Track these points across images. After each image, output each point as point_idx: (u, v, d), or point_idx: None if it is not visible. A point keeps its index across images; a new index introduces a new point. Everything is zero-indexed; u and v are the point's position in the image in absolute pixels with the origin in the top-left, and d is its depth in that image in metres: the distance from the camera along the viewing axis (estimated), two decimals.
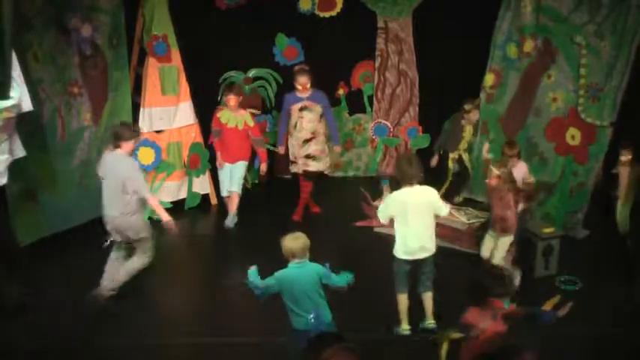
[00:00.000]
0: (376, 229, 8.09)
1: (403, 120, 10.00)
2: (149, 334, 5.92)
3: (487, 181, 6.68)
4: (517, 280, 6.53)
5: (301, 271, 4.81)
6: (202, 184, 8.81)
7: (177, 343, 5.83)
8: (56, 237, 7.41)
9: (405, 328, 5.87)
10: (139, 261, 6.35)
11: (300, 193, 8.33)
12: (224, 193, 8.23)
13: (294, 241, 4.82)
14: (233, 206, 8.19)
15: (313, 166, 8.16)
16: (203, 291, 6.98)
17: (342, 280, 4.88)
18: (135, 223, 6.20)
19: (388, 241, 7.66)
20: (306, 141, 8.09)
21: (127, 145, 6.17)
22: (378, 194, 8.35)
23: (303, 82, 7.98)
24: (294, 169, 8.31)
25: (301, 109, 8.03)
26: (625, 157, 7.01)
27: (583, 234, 7.86)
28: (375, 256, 6.85)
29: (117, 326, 5.99)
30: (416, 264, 5.78)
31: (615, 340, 5.80)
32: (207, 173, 8.79)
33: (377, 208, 7.98)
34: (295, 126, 8.09)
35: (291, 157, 8.26)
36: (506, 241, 6.50)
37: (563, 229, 7.58)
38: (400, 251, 5.75)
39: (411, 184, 5.62)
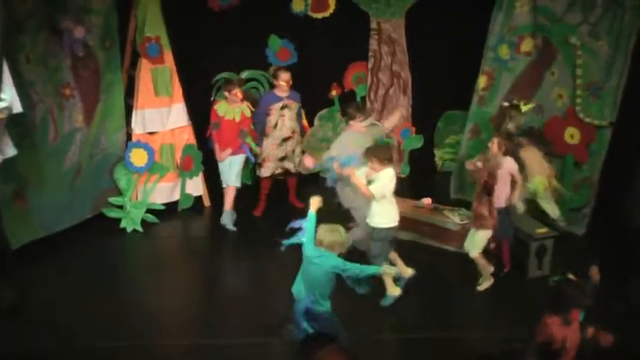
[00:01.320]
0: None
1: None
2: (146, 334, 5.91)
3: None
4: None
5: (318, 259, 4.92)
6: (196, 186, 8.77)
7: (174, 344, 5.82)
8: (48, 238, 7.36)
9: (397, 292, 6.39)
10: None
11: (262, 190, 8.40)
12: (228, 184, 8.10)
13: (327, 234, 5.01)
14: (230, 199, 8.11)
15: (291, 166, 8.26)
16: (199, 291, 6.97)
17: (363, 269, 4.97)
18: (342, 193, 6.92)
19: None
20: (285, 140, 8.12)
21: (354, 124, 7.06)
22: None
23: (287, 78, 8.01)
24: (266, 172, 8.23)
25: (282, 108, 8.06)
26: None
27: (582, 231, 7.89)
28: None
29: (113, 327, 5.98)
30: None
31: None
32: (201, 175, 8.77)
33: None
34: (276, 125, 8.09)
35: (264, 158, 8.20)
36: (483, 235, 6.51)
37: (568, 225, 7.64)
38: (393, 221, 6.40)
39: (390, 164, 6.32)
